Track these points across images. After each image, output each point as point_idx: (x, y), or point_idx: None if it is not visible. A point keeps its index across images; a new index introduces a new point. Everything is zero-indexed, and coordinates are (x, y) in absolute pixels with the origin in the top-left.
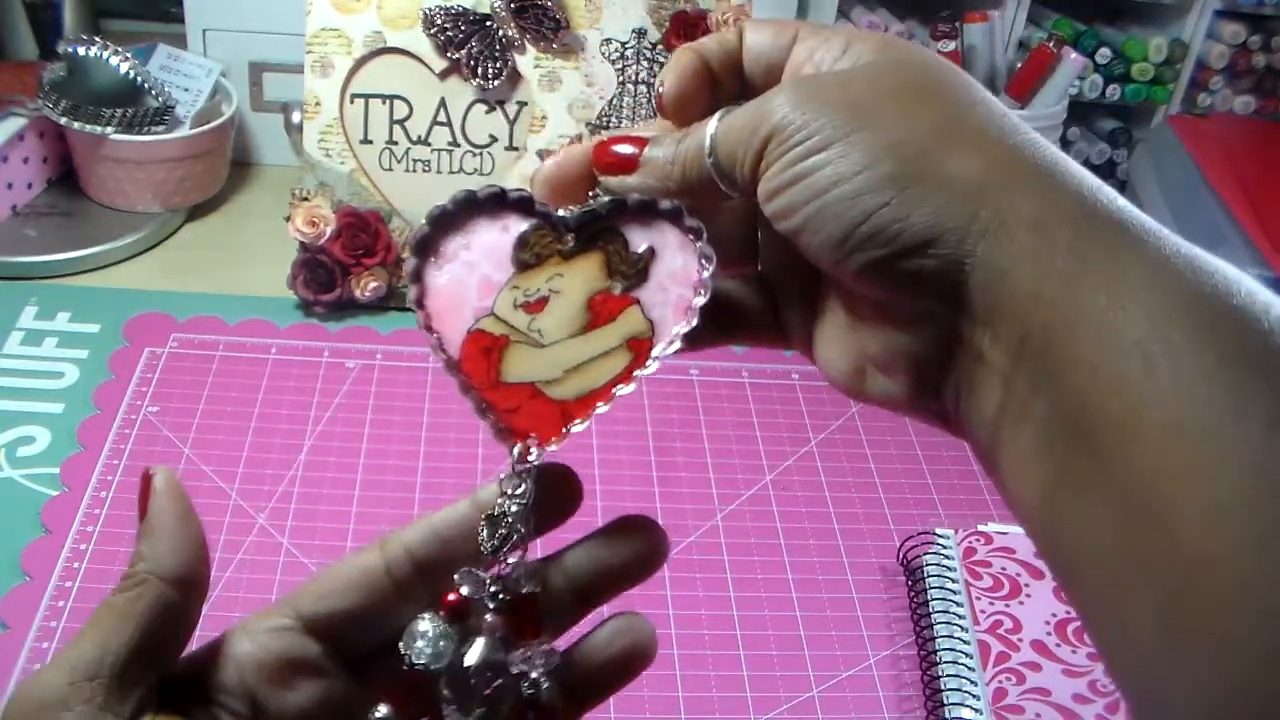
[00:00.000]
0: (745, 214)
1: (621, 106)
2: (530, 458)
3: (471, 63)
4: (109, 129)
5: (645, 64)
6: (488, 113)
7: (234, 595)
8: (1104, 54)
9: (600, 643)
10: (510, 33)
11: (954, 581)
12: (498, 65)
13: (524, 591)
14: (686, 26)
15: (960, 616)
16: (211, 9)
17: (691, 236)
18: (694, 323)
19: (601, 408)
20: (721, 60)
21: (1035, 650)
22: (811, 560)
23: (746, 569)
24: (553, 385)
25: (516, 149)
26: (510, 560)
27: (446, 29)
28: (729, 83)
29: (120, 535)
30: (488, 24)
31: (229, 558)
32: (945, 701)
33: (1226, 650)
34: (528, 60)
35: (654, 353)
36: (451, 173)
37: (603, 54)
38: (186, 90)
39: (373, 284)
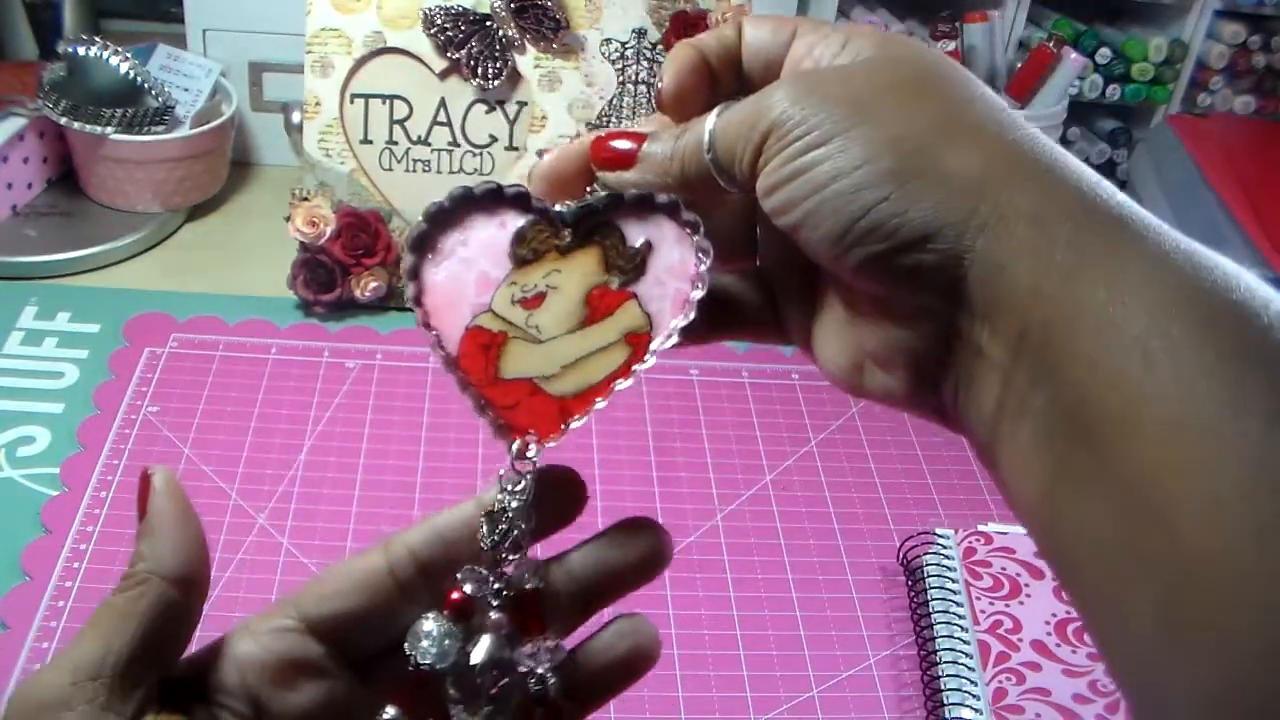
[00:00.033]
0: (744, 209)
1: (621, 106)
2: (529, 454)
3: (471, 63)
4: (109, 129)
5: (645, 64)
6: (488, 113)
7: (234, 595)
8: (1104, 54)
9: (604, 644)
10: (510, 33)
11: (954, 581)
12: (498, 65)
13: (527, 588)
14: (686, 26)
15: (960, 616)
16: (211, 9)
17: (688, 230)
18: (691, 316)
19: (600, 403)
20: (720, 56)
21: (1035, 650)
22: (811, 560)
23: (746, 569)
24: (551, 381)
25: (516, 149)
26: (512, 557)
27: (446, 29)
28: (728, 78)
29: (120, 535)
30: (488, 24)
31: (229, 558)
32: (945, 701)
33: (1226, 645)
34: (528, 60)
35: (652, 347)
36: (451, 173)
37: (603, 54)
38: (186, 90)
39: (373, 284)
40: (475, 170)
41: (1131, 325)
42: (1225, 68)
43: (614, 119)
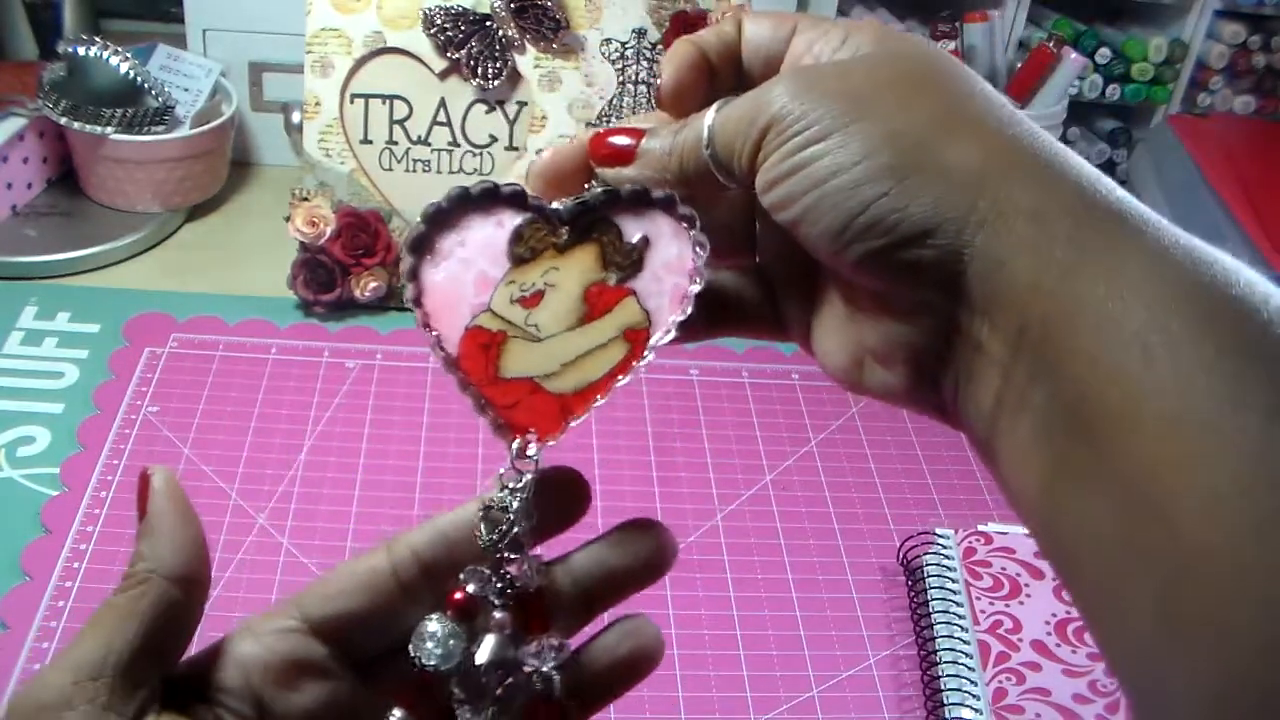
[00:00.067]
0: (743, 205)
1: (621, 106)
2: (529, 453)
3: (471, 63)
4: (109, 129)
5: (645, 64)
6: (488, 113)
7: (234, 595)
8: (1104, 54)
9: (607, 645)
10: (510, 33)
11: (954, 581)
12: (498, 65)
13: (531, 588)
14: (686, 26)
15: (960, 616)
16: (211, 9)
17: (685, 224)
18: (689, 311)
19: (600, 401)
20: (720, 52)
21: (1035, 650)
22: (811, 560)
23: (746, 569)
24: (551, 379)
25: (516, 149)
26: (513, 556)
27: (446, 29)
28: (727, 75)
29: (120, 535)
30: (488, 24)
31: (229, 558)
32: (945, 701)
33: (1225, 640)
34: (528, 60)
35: (650, 343)
36: (451, 173)
37: (603, 54)
38: (186, 90)
39: (373, 284)
40: (475, 170)
41: (1131, 320)
42: (1225, 68)
43: (614, 119)
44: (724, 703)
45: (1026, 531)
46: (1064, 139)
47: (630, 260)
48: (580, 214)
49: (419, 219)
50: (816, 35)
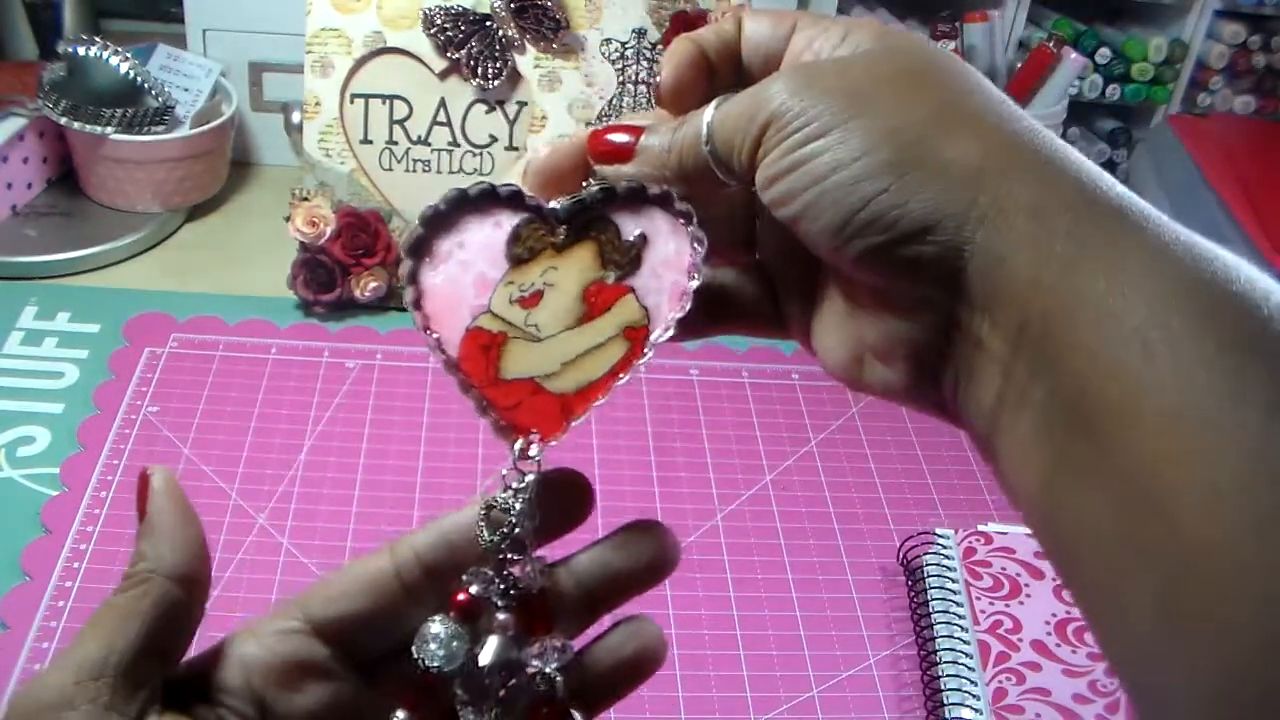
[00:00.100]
0: (742, 202)
1: (621, 106)
2: (531, 453)
3: (471, 63)
4: (109, 129)
5: (645, 64)
6: (488, 113)
7: (234, 595)
8: (1104, 54)
9: (610, 646)
10: (510, 33)
11: (954, 581)
12: (498, 65)
13: (534, 589)
14: (686, 26)
15: (960, 616)
16: (211, 9)
17: (682, 221)
18: (688, 308)
19: (600, 400)
20: (719, 50)
21: (1035, 650)
22: (811, 560)
23: (746, 569)
24: (551, 379)
25: (516, 149)
26: (515, 557)
27: (446, 29)
28: (726, 72)
29: (120, 535)
30: (488, 24)
31: (229, 558)
32: (945, 701)
33: (1226, 636)
34: (528, 60)
35: (650, 340)
36: (451, 173)
37: (603, 54)
38: (186, 90)
39: (373, 284)
40: (475, 170)
41: (1131, 316)
42: (1225, 68)
43: (613, 119)
44: (724, 703)
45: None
46: (1064, 139)
47: (628, 258)
48: (577, 212)
49: (417, 222)
50: (816, 33)
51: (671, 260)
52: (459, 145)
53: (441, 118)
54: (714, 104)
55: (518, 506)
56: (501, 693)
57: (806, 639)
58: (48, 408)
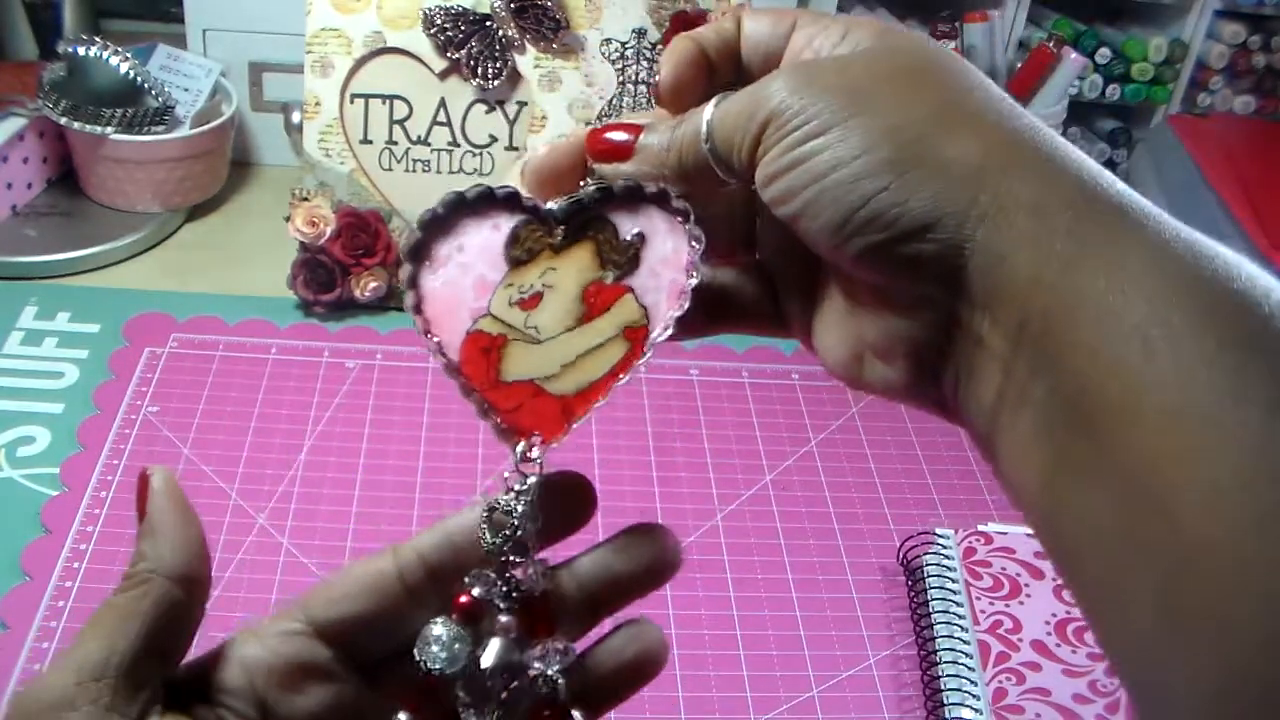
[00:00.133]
0: (742, 201)
1: (621, 106)
2: (533, 455)
3: (471, 63)
4: (109, 129)
5: (645, 64)
6: (488, 113)
7: (234, 595)
8: (1104, 54)
9: (611, 649)
10: (510, 33)
11: (954, 581)
12: (498, 65)
13: (536, 591)
14: (686, 26)
15: (960, 616)
16: (211, 9)
17: (680, 219)
18: (686, 306)
19: (600, 401)
20: (719, 49)
21: (1035, 650)
22: (811, 560)
23: (746, 569)
24: (552, 381)
25: (516, 149)
26: (517, 559)
27: (446, 29)
28: (726, 71)
29: (120, 535)
30: (488, 24)
31: (229, 558)
32: (945, 701)
33: (1227, 634)
34: (528, 60)
35: (649, 340)
36: (451, 173)
37: (603, 54)
38: (186, 90)
39: (373, 284)
40: (475, 170)
41: (1132, 314)
42: (1225, 68)
43: (613, 119)
44: (724, 703)
45: (1027, 531)
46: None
47: (626, 257)
48: (575, 213)
49: (415, 226)
50: (816, 31)
51: (670, 258)
52: (459, 145)
53: (441, 118)
54: (713, 102)
55: (520, 509)
56: (503, 695)
57: (806, 639)
58: (48, 408)
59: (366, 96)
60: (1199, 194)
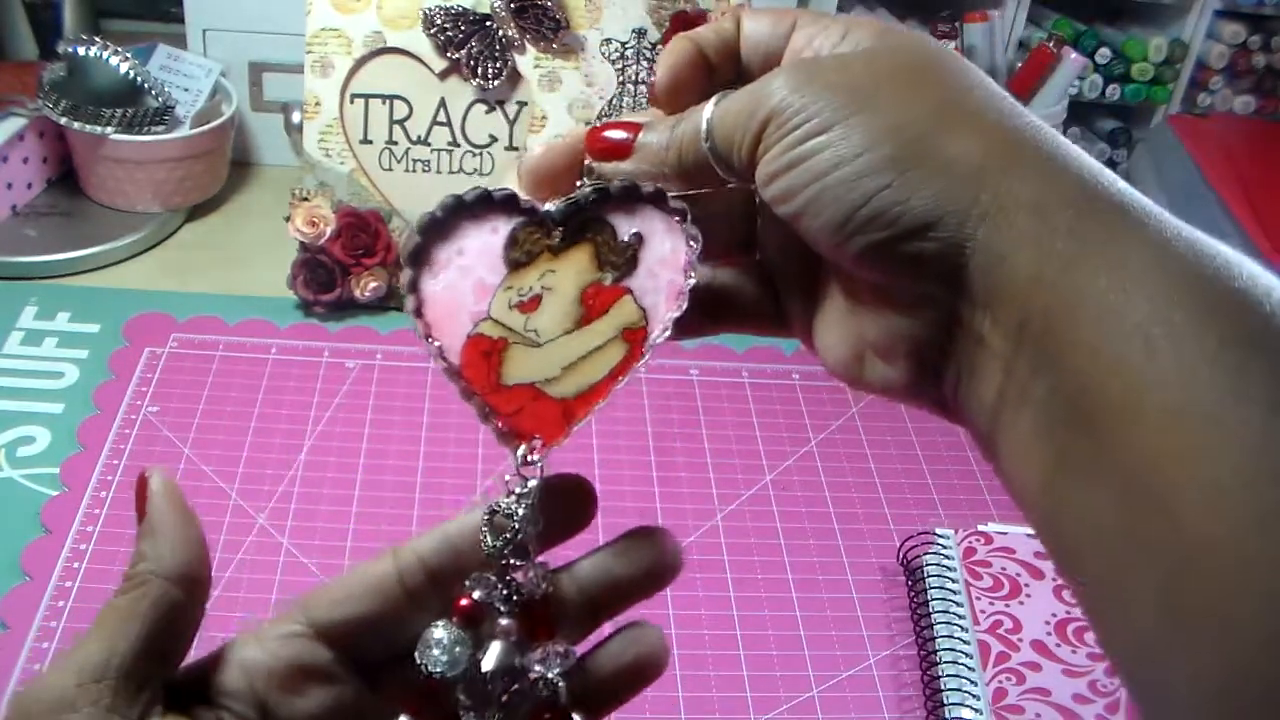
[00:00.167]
0: (742, 199)
1: (621, 106)
2: (533, 459)
3: (471, 63)
4: (109, 129)
5: (645, 64)
6: (488, 113)
7: (234, 595)
8: (1104, 54)
9: (612, 652)
10: (510, 33)
11: (954, 581)
12: (498, 65)
13: (537, 595)
14: (686, 26)
15: (960, 616)
16: (211, 9)
17: (677, 219)
18: (684, 307)
19: (600, 403)
20: (717, 49)
21: (1035, 650)
22: (811, 560)
23: (746, 569)
24: (552, 384)
25: (516, 149)
26: (518, 562)
27: (446, 29)
28: (725, 71)
29: (120, 535)
30: (488, 24)
31: (229, 558)
32: (945, 701)
33: (1228, 633)
34: (528, 60)
35: (648, 341)
36: (451, 173)
37: (603, 54)
38: (186, 90)
39: (373, 284)
40: (475, 170)
41: (1133, 312)
42: (1225, 68)
43: (613, 119)
44: (724, 703)
45: (1027, 531)
46: None
47: (624, 258)
48: (572, 214)
49: (415, 230)
50: (816, 30)
51: (668, 259)
52: (459, 145)
53: (441, 118)
54: (714, 100)
55: (520, 512)
56: (504, 698)
57: (806, 639)
58: (48, 408)
59: (366, 96)
60: (1199, 194)
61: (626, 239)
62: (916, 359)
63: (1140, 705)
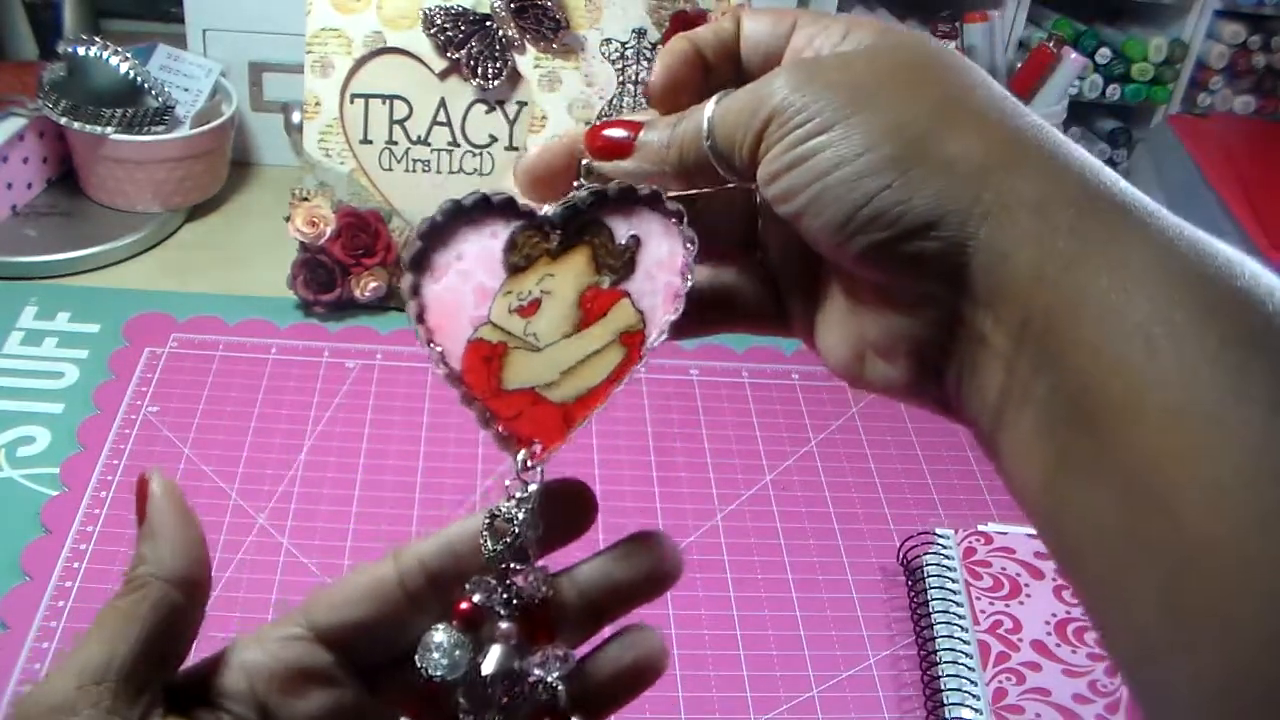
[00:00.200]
0: (743, 199)
1: (621, 107)
2: (532, 464)
3: (471, 63)
4: (109, 129)
5: (645, 64)
6: (488, 113)
7: (234, 595)
8: (1104, 54)
9: (611, 656)
10: (510, 33)
11: (954, 581)
12: (498, 65)
13: (536, 598)
14: (686, 26)
15: (960, 616)
16: (211, 9)
17: (674, 220)
18: (681, 310)
19: (599, 407)
20: (716, 49)
21: (1035, 650)
22: (811, 560)
23: (746, 569)
24: (551, 388)
25: (516, 149)
26: (517, 566)
27: (446, 29)
28: (724, 71)
29: (120, 535)
30: (488, 24)
31: (229, 558)
32: (945, 701)
33: (1230, 632)
34: (528, 60)
35: (646, 345)
36: (451, 173)
37: (603, 54)
38: (186, 90)
39: (373, 284)
40: (475, 170)
41: (1134, 312)
42: (1225, 68)
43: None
44: (724, 703)
45: (1027, 531)
46: None
47: (622, 261)
48: (570, 217)
49: (415, 235)
50: (817, 30)
51: (665, 261)
52: (459, 145)
53: (441, 118)
54: (715, 99)
55: (521, 516)
56: (504, 701)
57: (806, 639)
58: (48, 408)
59: (366, 96)
60: (1199, 194)
61: (624, 242)
62: (918, 358)
63: (1141, 705)
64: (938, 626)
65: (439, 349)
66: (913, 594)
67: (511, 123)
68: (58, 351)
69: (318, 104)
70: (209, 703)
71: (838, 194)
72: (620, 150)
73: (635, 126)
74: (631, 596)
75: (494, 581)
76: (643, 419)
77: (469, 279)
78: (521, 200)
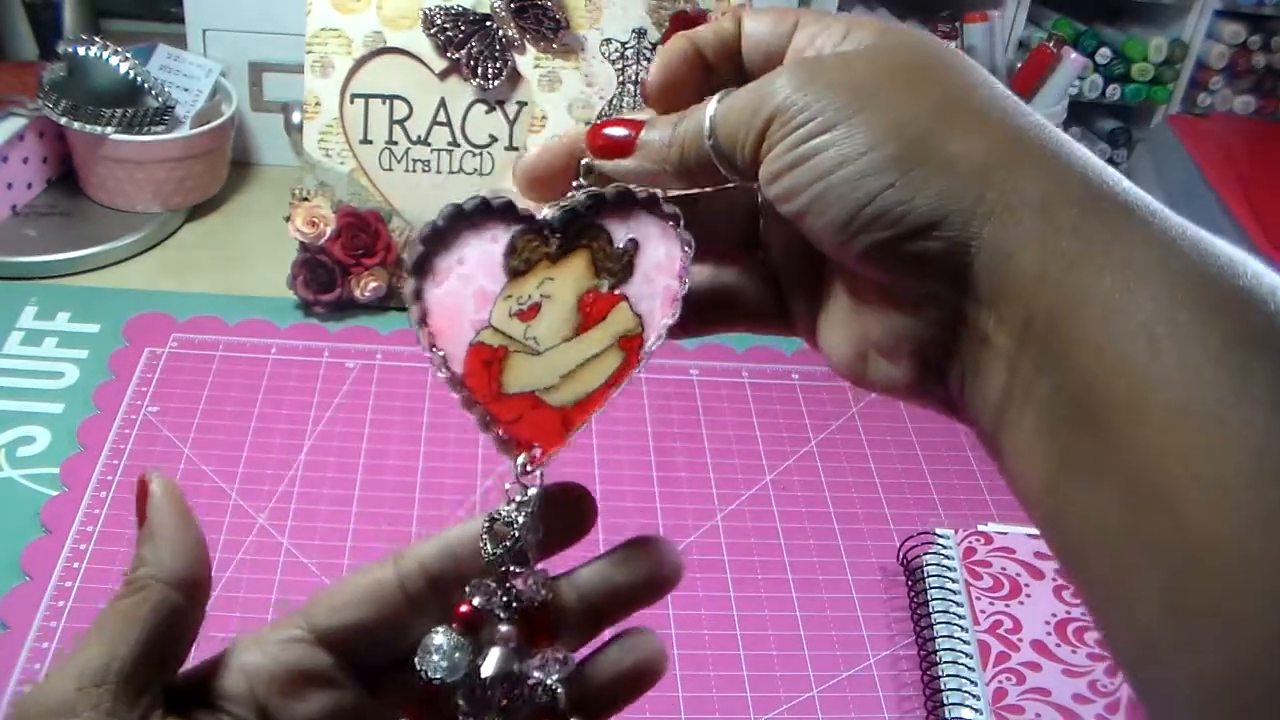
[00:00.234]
0: (745, 199)
1: (621, 107)
2: (533, 467)
3: (471, 63)
4: (109, 129)
5: (645, 64)
6: (488, 113)
7: (234, 595)
8: (1104, 54)
9: (610, 658)
10: (510, 33)
11: (954, 581)
12: (498, 65)
13: (536, 601)
14: (686, 26)
15: (960, 616)
16: (211, 9)
17: (671, 223)
18: (678, 313)
19: (597, 411)
20: (716, 48)
21: (1035, 650)
22: (811, 560)
23: (746, 569)
24: (551, 392)
25: (516, 149)
26: (517, 569)
27: (446, 29)
28: (724, 71)
29: (120, 535)
30: (488, 24)
31: (229, 558)
32: (945, 701)
33: (1232, 632)
34: (528, 60)
35: (644, 349)
36: (451, 173)
37: (603, 54)
38: (186, 90)
39: (373, 284)
40: (475, 170)
41: (1137, 311)
42: (1225, 68)
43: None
44: (724, 703)
45: (1027, 531)
46: None
47: (620, 265)
48: (569, 221)
49: (417, 240)
50: (819, 29)
51: (663, 264)
52: (459, 145)
53: (441, 118)
54: (716, 98)
55: (520, 520)
56: (503, 704)
57: (806, 639)
58: (48, 408)
59: (366, 96)
60: (1199, 194)
61: (622, 245)
62: (920, 358)
63: (1144, 704)
64: (938, 626)
65: (441, 353)
66: (913, 594)
67: (511, 123)
68: (58, 351)
69: (318, 104)
70: (209, 705)
71: (840, 193)
72: (622, 149)
73: (637, 125)
74: (631, 600)
75: (494, 584)
76: (643, 419)
77: (470, 283)
78: (521, 204)
